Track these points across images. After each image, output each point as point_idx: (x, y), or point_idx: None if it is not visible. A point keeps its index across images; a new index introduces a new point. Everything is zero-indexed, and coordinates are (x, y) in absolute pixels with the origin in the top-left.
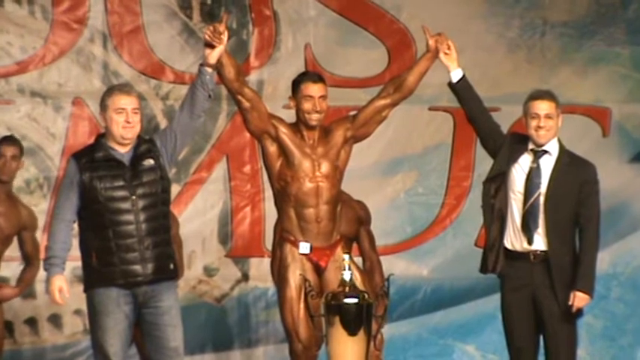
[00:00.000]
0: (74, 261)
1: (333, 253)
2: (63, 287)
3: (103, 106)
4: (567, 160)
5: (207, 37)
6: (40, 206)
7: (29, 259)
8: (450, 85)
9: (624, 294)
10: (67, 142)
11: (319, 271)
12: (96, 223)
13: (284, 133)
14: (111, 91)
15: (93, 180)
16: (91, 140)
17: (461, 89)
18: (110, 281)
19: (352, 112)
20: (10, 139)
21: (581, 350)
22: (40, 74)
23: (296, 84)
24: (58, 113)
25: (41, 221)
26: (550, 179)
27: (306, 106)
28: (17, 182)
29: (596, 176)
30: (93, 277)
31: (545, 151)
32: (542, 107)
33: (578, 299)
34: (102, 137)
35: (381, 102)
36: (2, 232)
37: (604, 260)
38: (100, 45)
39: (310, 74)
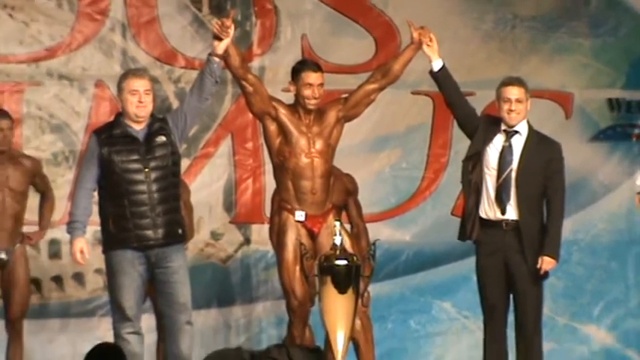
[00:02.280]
0: (95, 225)
1: (326, 220)
2: (84, 248)
3: (120, 89)
4: (536, 139)
5: (215, 30)
6: (65, 176)
7: (43, 194)
8: (431, 73)
9: (583, 258)
10: (90, 120)
11: (313, 236)
12: (113, 192)
13: (283, 113)
14: (126, 75)
15: (111, 154)
16: (111, 118)
17: (441, 77)
18: (125, 244)
19: (344, 95)
20: (3, 113)
21: (545, 308)
22: (67, 59)
23: (297, 71)
24: (82, 94)
25: (66, 190)
26: (520, 157)
27: (306, 92)
28: (45, 155)
29: (561, 153)
30: (110, 241)
31: (516, 132)
32: (514, 92)
33: (546, 263)
34: (120, 116)
35: (370, 86)
36: (18, 192)
37: (566, 228)
38: (119, 34)
39: (310, 64)
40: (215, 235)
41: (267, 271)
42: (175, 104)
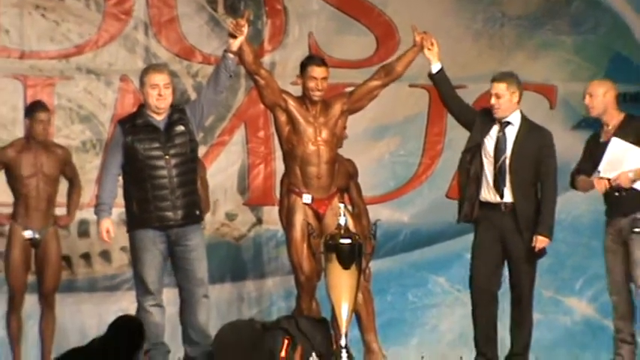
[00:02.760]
0: (119, 207)
1: (331, 202)
2: (109, 228)
3: (142, 82)
4: (527, 128)
5: (230, 28)
6: (93, 163)
7: (71, 181)
8: (430, 75)
9: (566, 236)
10: (116, 111)
11: (319, 217)
12: (136, 177)
13: (292, 105)
14: (147, 70)
15: (134, 142)
16: (135, 109)
17: (438, 79)
18: (148, 224)
19: (348, 89)
20: (42, 107)
21: None
22: (94, 55)
23: (303, 65)
24: (108, 87)
25: (94, 174)
26: (513, 145)
27: (311, 85)
28: (75, 143)
29: (551, 140)
30: (134, 221)
31: (509, 122)
32: (494, 88)
33: (540, 241)
34: (143, 107)
35: (374, 83)
36: (50, 177)
37: None
38: (142, 32)
39: (315, 59)
40: (230, 216)
41: (277, 249)
42: (193, 96)
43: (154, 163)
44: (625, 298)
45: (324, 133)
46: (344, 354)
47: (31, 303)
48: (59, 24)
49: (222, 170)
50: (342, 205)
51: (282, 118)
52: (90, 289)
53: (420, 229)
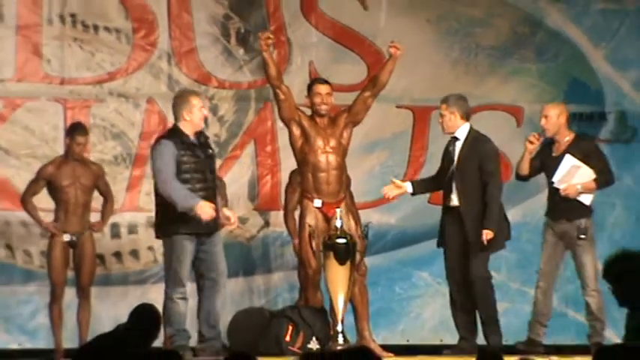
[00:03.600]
0: (148, 212)
1: (339, 206)
2: (211, 205)
3: (188, 106)
4: (471, 141)
5: (261, 42)
6: (123, 174)
7: (105, 195)
8: (412, 194)
9: (531, 237)
10: (143, 129)
11: (327, 219)
12: None
13: (304, 119)
14: (192, 94)
15: (182, 157)
16: (160, 128)
17: (419, 191)
18: (186, 229)
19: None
20: (81, 129)
21: (501, 276)
22: (124, 81)
23: (310, 86)
24: (136, 109)
25: (123, 184)
26: (458, 157)
27: (317, 100)
28: (108, 157)
29: (490, 148)
30: (174, 224)
31: (456, 138)
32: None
33: (486, 234)
34: (176, 127)
35: (366, 94)
36: (86, 186)
37: (517, 214)
38: (165, 61)
39: (320, 79)
40: (241, 220)
41: (282, 248)
42: (210, 118)
43: (197, 176)
44: (551, 284)
45: (332, 142)
46: (340, 338)
47: (70, 295)
48: (94, 54)
49: (235, 180)
50: (338, 210)
51: (297, 131)
52: (121, 283)
53: (406, 230)
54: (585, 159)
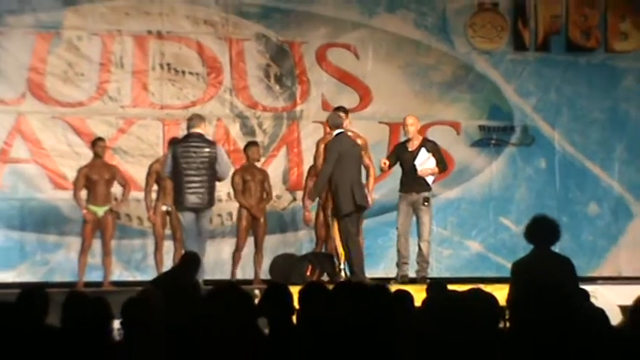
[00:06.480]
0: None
1: None
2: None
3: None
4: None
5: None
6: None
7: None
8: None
9: (467, 207)
10: (213, 138)
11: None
12: None
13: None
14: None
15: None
16: (224, 137)
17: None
18: (185, 206)
19: (359, 140)
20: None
21: (447, 231)
22: (202, 107)
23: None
24: (210, 124)
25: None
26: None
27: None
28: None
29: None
30: (177, 203)
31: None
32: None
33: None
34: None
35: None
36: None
37: (458, 192)
38: (228, 94)
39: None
40: (278, 197)
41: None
42: (257, 130)
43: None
44: (407, 237)
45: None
46: (342, 273)
47: (169, 247)
48: (182, 89)
49: (273, 171)
50: None
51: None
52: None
53: (387, 203)
54: (431, 152)
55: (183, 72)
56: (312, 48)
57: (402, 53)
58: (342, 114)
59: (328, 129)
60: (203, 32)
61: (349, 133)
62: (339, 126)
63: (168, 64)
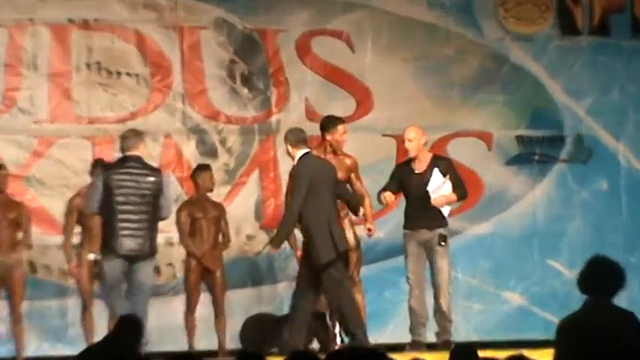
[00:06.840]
0: (165, 233)
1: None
2: None
3: None
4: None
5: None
6: None
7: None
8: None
9: (503, 246)
10: (161, 161)
11: None
12: None
13: None
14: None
15: None
16: (175, 159)
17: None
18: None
19: (347, 160)
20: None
21: (477, 281)
22: (144, 120)
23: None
24: (155, 143)
25: None
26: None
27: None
28: None
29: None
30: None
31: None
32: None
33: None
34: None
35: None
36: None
37: (490, 226)
38: (180, 101)
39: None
40: (249, 237)
41: (285, 261)
42: (220, 149)
43: None
44: (423, 290)
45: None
46: (338, 339)
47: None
48: (117, 96)
49: (242, 203)
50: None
51: None
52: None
53: (393, 243)
54: (446, 174)
55: (119, 73)
56: (292, 37)
57: (411, 42)
58: (303, 131)
59: (290, 149)
60: (144, 20)
61: (339, 155)
62: (304, 143)
63: (97, 63)
